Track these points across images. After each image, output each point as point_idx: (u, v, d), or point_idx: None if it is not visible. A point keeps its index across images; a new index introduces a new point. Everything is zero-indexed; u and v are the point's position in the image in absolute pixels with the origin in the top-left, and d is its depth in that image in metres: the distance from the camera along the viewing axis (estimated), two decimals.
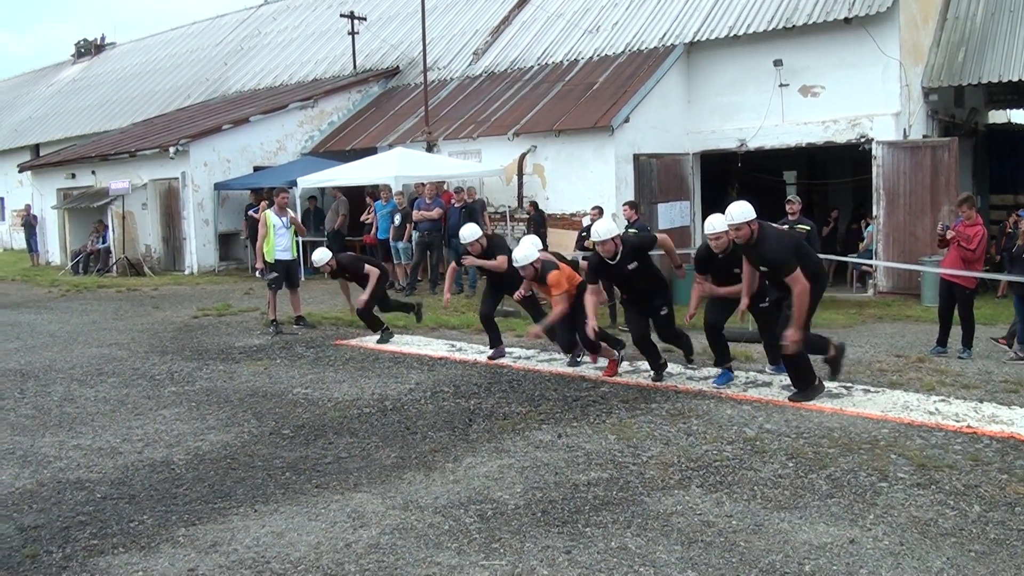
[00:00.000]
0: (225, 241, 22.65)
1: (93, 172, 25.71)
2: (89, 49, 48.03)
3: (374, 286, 11.31)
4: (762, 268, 7.68)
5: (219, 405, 8.01)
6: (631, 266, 8.42)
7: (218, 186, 22.13)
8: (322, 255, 11.55)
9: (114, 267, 23.15)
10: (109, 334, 12.60)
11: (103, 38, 48.41)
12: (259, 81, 31.37)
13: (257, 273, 14.27)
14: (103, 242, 24.53)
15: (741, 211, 7.48)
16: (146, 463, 6.34)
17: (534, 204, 17.74)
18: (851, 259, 16.64)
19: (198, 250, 22.11)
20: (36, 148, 39.43)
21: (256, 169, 22.64)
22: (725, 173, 20.53)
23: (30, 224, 29.57)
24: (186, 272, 22.03)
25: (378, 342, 11.17)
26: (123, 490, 5.77)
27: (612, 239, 8.36)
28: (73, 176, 26.81)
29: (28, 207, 30.76)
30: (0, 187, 42.54)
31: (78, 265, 24.51)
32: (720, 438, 6.44)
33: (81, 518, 5.32)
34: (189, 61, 37.27)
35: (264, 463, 6.18)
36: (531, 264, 8.97)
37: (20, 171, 32.49)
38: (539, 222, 17.22)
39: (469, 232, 10.19)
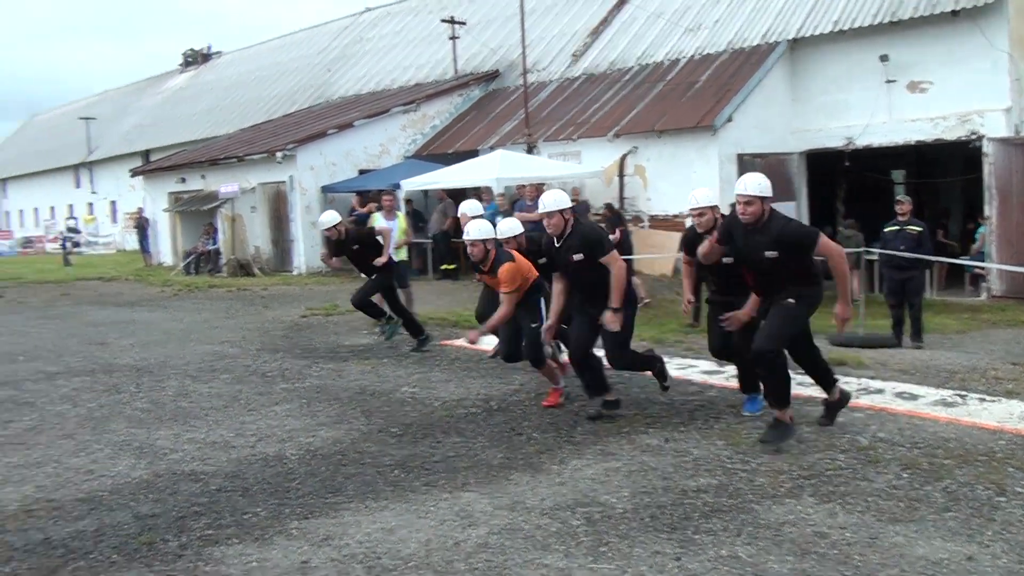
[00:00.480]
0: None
1: (203, 176, 26.58)
2: (196, 58, 49.70)
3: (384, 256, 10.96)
4: (768, 254, 6.18)
5: (329, 402, 8.17)
6: (576, 257, 7.06)
7: (325, 189, 22.63)
8: (330, 217, 11.15)
9: (224, 268, 23.89)
10: (221, 332, 13.01)
11: (209, 48, 50.13)
12: (362, 86, 31.96)
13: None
14: (213, 243, 25.35)
15: (757, 182, 6.22)
16: (259, 457, 6.50)
17: (609, 206, 17.59)
18: (964, 261, 16.05)
19: (306, 251, 22.65)
20: (146, 154, 40.90)
21: (361, 172, 23.09)
22: (832, 173, 20.05)
23: (142, 226, 30.73)
24: (294, 273, 22.59)
25: (381, 332, 11.25)
26: (237, 483, 5.92)
27: (560, 211, 7.08)
28: (183, 180, 27.75)
29: (140, 210, 31.98)
30: (112, 191, 44.30)
31: (189, 265, 25.37)
32: (832, 446, 6.27)
33: (196, 509, 5.47)
34: (293, 68, 38.17)
35: (374, 460, 6.28)
36: (483, 242, 7.74)
37: (132, 176, 33.82)
38: (615, 223, 17.02)
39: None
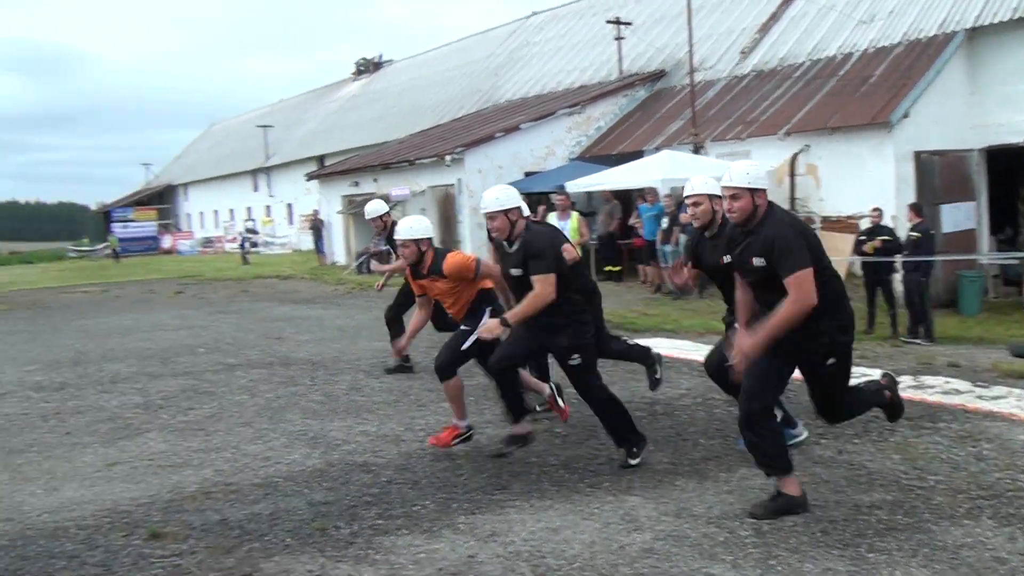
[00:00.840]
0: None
1: (375, 180, 27.50)
2: (367, 67, 51.61)
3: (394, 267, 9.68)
4: (756, 262, 5.04)
5: (496, 401, 8.21)
6: (514, 272, 6.05)
7: None
8: (374, 207, 10.34)
9: None
10: None
11: (381, 57, 51.88)
12: (528, 90, 32.30)
13: None
14: (385, 244, 26.16)
15: (743, 171, 5.06)
16: (428, 452, 6.67)
17: None
18: None
19: (473, 251, 23.06)
20: (321, 159, 42.66)
21: (527, 174, 23.34)
22: (1014, 171, 18.87)
23: (317, 228, 32.07)
24: None
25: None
26: (406, 475, 6.09)
27: (503, 212, 5.95)
28: (356, 184, 28.78)
29: (316, 212, 33.38)
30: (289, 194, 46.48)
31: (361, 265, 26.29)
32: (1013, 465, 5.85)
33: (367, 499, 5.67)
34: (461, 74, 38.96)
35: (539, 459, 6.32)
36: (414, 242, 6.66)
37: (308, 180, 35.37)
38: None
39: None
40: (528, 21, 38.70)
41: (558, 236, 6.45)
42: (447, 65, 41.40)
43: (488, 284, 6.72)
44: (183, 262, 39.82)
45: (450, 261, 6.59)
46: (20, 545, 5.25)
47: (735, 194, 5.04)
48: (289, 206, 47.28)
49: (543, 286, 5.82)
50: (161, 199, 62.63)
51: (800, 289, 4.83)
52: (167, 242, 52.97)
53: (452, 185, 23.61)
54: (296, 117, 52.31)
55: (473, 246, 22.97)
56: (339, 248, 30.59)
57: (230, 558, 4.85)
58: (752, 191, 5.02)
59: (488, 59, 37.96)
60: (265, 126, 50.85)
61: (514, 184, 22.30)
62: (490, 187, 6.28)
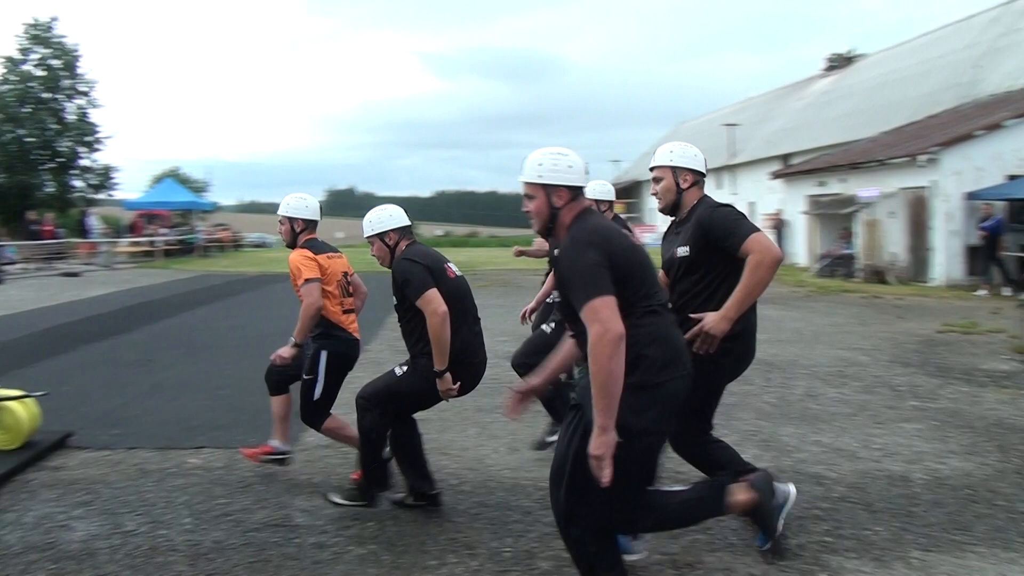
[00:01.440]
0: (973, 254, 21.68)
1: (842, 180, 26.65)
2: (838, 62, 50.21)
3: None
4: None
5: (960, 429, 7.73)
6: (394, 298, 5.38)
7: (970, 196, 21.23)
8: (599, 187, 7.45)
9: (859, 273, 23.80)
10: (851, 338, 13.05)
11: (852, 50, 50.27)
12: (1014, 81, 29.20)
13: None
14: (848, 247, 25.33)
15: (535, 162, 3.96)
16: (883, 474, 6.41)
17: None
18: None
19: (946, 261, 21.57)
20: (785, 157, 42.14)
21: (1010, 178, 21.22)
22: None
23: (778, 227, 31.93)
24: (930, 283, 21.64)
25: None
26: (859, 495, 5.90)
27: (378, 237, 5.44)
28: (822, 183, 28.13)
29: (779, 211, 33.18)
30: (752, 192, 46.45)
31: (823, 268, 25.70)
32: None
33: (816, 512, 5.59)
34: (937, 67, 36.24)
35: (1006, 503, 5.77)
36: (289, 220, 5.99)
37: (772, 178, 35.21)
38: None
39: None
40: (1013, 5, 34.78)
41: (434, 255, 5.48)
42: (922, 57, 38.65)
43: (336, 317, 5.91)
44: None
45: (293, 255, 5.90)
46: (482, 493, 6.03)
47: (528, 192, 3.97)
48: (751, 204, 47.31)
49: (431, 304, 5.09)
50: (628, 194, 65.91)
51: (596, 322, 3.55)
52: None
53: (925, 188, 22.10)
54: (762, 115, 52.11)
55: (946, 255, 21.38)
56: (800, 249, 30.08)
57: (675, 545, 5.07)
58: (547, 189, 3.91)
59: (968, 49, 34.77)
60: (731, 124, 51.30)
61: (996, 189, 20.52)
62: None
